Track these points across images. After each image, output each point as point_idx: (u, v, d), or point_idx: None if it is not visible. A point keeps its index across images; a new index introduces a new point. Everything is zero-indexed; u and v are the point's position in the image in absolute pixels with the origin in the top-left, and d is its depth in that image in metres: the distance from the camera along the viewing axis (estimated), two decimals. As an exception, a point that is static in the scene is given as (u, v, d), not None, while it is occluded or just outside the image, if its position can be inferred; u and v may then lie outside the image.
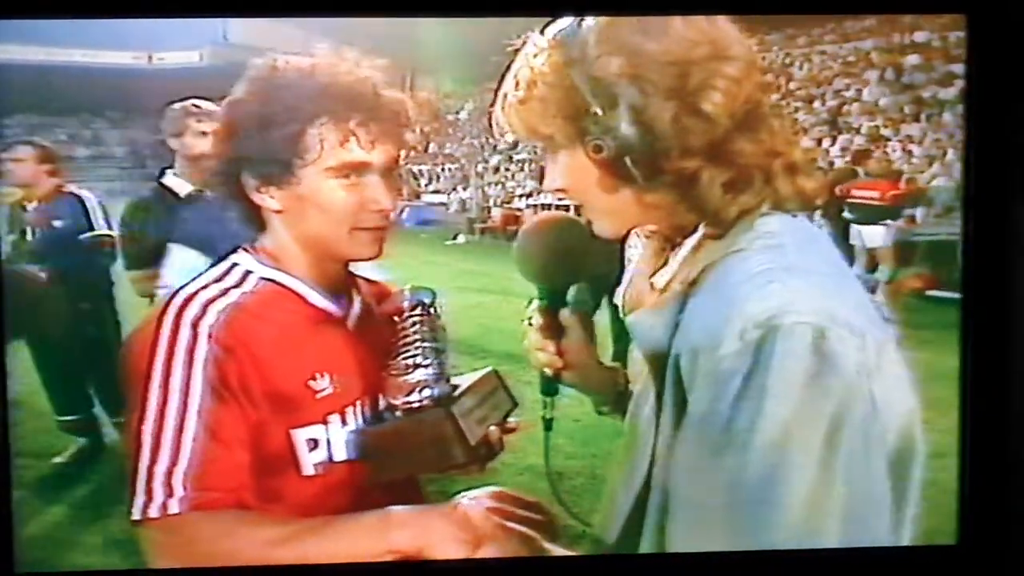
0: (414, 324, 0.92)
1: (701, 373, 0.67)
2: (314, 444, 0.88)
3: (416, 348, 0.91)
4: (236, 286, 0.90)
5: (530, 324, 0.94)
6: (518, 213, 11.33)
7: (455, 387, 0.93)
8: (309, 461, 0.88)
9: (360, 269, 1.02)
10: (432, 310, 0.93)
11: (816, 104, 11.14)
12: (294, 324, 0.90)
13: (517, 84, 0.75)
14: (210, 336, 0.83)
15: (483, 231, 11.74)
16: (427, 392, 0.89)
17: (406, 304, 0.93)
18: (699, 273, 0.73)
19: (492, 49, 0.83)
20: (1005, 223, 1.03)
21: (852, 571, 0.78)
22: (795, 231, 0.73)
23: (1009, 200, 1.03)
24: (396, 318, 0.93)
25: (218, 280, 0.90)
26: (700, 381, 0.67)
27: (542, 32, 0.76)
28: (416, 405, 0.89)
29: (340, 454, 0.90)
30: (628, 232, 0.86)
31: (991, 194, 1.03)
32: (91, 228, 2.90)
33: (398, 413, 0.90)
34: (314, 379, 0.89)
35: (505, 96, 0.77)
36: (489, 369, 1.01)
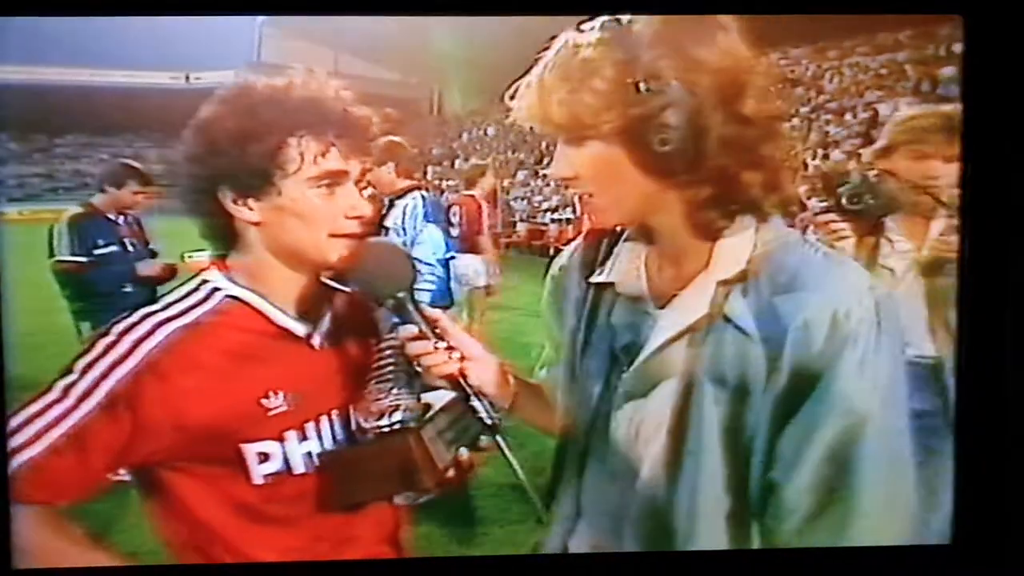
0: (391, 347, 0.93)
1: (826, 339, 0.76)
2: (264, 457, 0.92)
3: (390, 371, 0.92)
4: (200, 304, 0.93)
5: (406, 339, 0.92)
6: (544, 228, 11.34)
7: (428, 407, 0.92)
8: (259, 472, 0.91)
9: (335, 281, 1.03)
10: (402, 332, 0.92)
11: (848, 116, 11.00)
12: (251, 343, 0.93)
13: (567, 76, 0.78)
14: (144, 357, 0.87)
15: (507, 246, 11.78)
16: (398, 416, 0.89)
17: (383, 324, 0.93)
18: (751, 262, 0.81)
19: (519, 66, 0.86)
20: (1004, 224, 1.03)
21: (851, 570, 0.80)
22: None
23: (1009, 202, 1.04)
24: (372, 339, 0.94)
25: (185, 297, 0.94)
26: (827, 345, 0.76)
27: (579, 29, 0.80)
28: (386, 430, 0.89)
29: (298, 467, 0.93)
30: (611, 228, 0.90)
31: (990, 196, 1.04)
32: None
33: (369, 436, 0.91)
34: (267, 397, 0.92)
35: (541, 85, 0.79)
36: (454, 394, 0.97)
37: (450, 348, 0.91)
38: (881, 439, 0.76)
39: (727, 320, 0.80)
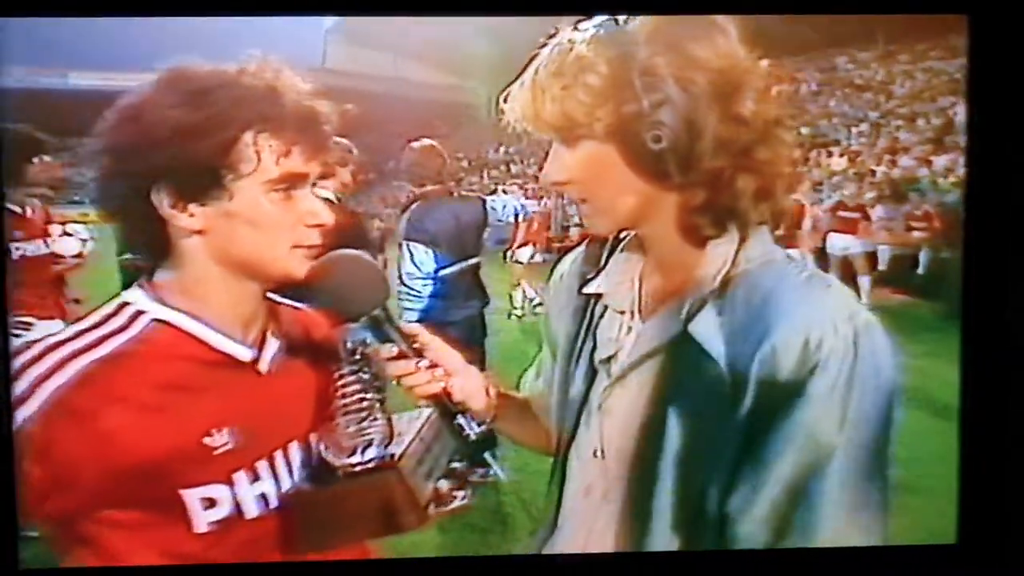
0: (355, 372, 0.82)
1: (794, 367, 0.72)
2: (210, 503, 0.80)
3: (358, 401, 0.81)
4: (120, 331, 0.79)
5: (386, 359, 0.86)
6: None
7: (400, 437, 0.84)
8: (203, 519, 0.79)
9: (284, 296, 0.92)
10: (375, 352, 0.84)
11: (920, 122, 10.57)
12: (185, 373, 0.80)
13: (560, 73, 0.75)
14: (50, 397, 0.73)
15: (560, 250, 11.75)
16: (372, 452, 0.80)
17: (345, 346, 0.83)
18: (730, 279, 0.77)
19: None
20: (1007, 225, 1.01)
21: (854, 569, 0.78)
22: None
23: (1013, 201, 1.01)
24: (330, 362, 0.84)
25: (100, 324, 0.80)
26: (794, 374, 0.72)
27: (575, 27, 0.78)
28: (359, 468, 0.79)
29: (251, 511, 0.82)
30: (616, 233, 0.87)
31: (994, 196, 1.02)
32: None
33: (338, 474, 0.80)
34: (209, 435, 0.79)
35: (535, 83, 0.77)
36: (431, 411, 0.90)
37: (432, 365, 0.86)
38: (844, 477, 0.72)
39: (693, 341, 0.76)
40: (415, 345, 0.86)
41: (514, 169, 15.31)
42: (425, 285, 2.85)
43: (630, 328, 0.84)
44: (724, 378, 0.74)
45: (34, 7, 0.98)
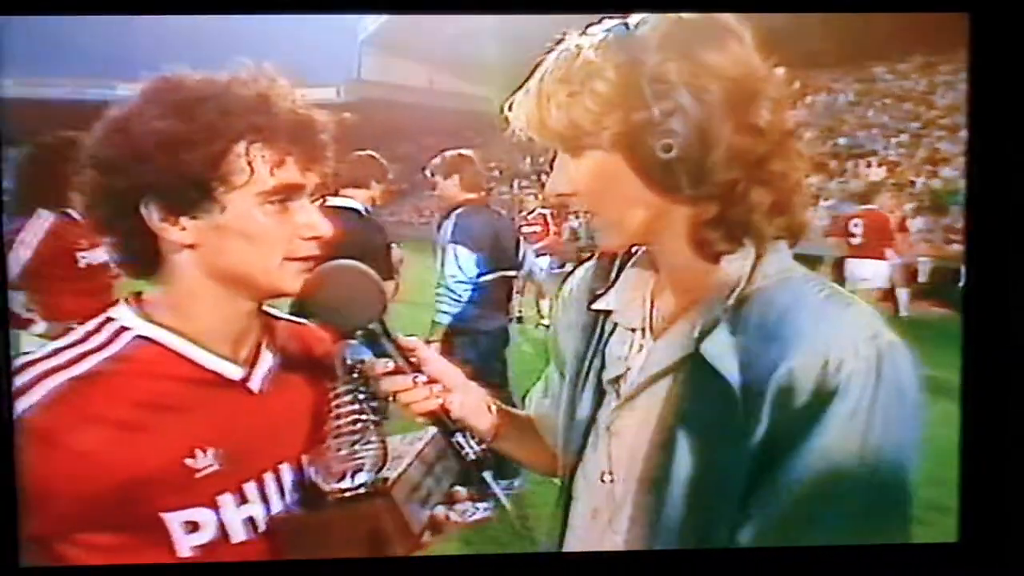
0: (351, 391, 0.79)
1: (812, 391, 0.68)
2: (193, 527, 0.77)
3: (351, 422, 0.78)
4: (100, 348, 0.77)
5: (381, 375, 0.83)
6: None
7: (397, 460, 0.80)
8: (186, 544, 0.76)
9: (282, 311, 0.91)
10: (374, 370, 0.81)
11: (963, 133, 10.32)
12: (169, 392, 0.78)
13: (567, 79, 0.73)
14: (19, 417, 0.72)
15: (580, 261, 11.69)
16: (362, 478, 0.76)
17: (343, 364, 0.80)
18: (746, 297, 0.73)
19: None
20: (1008, 226, 0.98)
21: (854, 568, 0.77)
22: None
23: (1014, 202, 0.99)
24: (326, 380, 0.81)
25: (80, 341, 0.78)
26: (812, 398, 0.68)
27: (583, 32, 0.75)
28: (349, 494, 0.76)
29: (237, 535, 0.79)
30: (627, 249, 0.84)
31: (994, 195, 0.99)
32: None
33: (328, 499, 0.77)
34: (192, 456, 0.77)
35: (540, 90, 0.74)
36: (433, 431, 0.86)
37: (430, 381, 0.83)
38: (865, 508, 0.68)
39: (705, 361, 0.73)
40: (412, 360, 0.83)
41: (545, 180, 15.33)
42: (465, 290, 2.86)
43: (641, 347, 0.80)
44: (737, 401, 0.71)
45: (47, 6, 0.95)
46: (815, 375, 0.68)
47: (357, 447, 0.77)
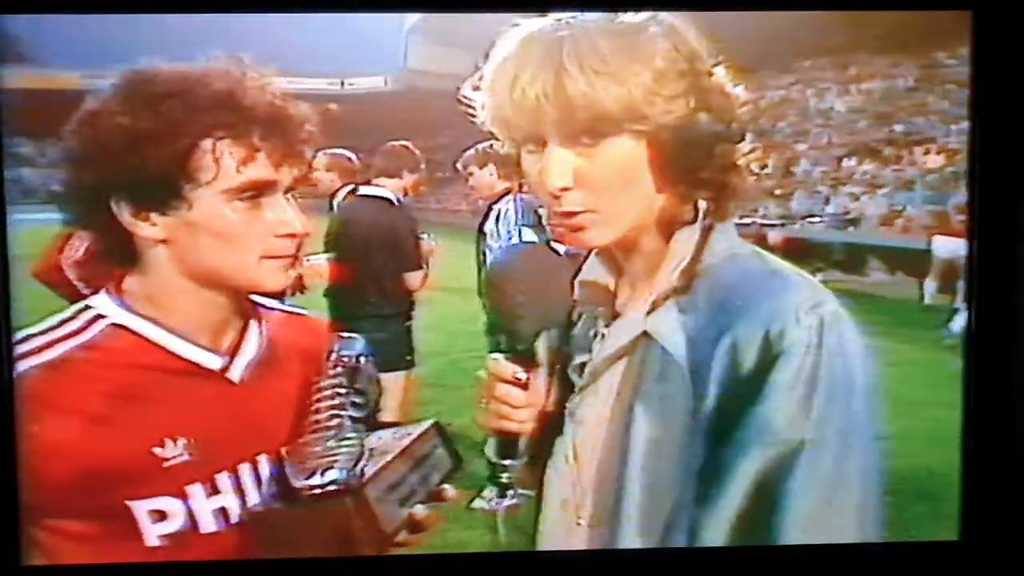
0: (334, 386, 0.79)
1: (755, 361, 0.70)
2: (160, 516, 0.77)
3: (329, 418, 0.78)
4: (73, 335, 0.78)
5: (495, 376, 0.82)
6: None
7: (380, 456, 0.80)
8: (153, 532, 0.77)
9: (276, 299, 0.90)
10: (360, 364, 0.80)
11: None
12: (139, 381, 0.77)
13: (601, 61, 0.70)
14: None
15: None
16: (333, 475, 0.75)
17: (329, 357, 0.80)
18: (694, 274, 0.75)
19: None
20: (1012, 222, 1.01)
21: (856, 567, 0.78)
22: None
23: (1016, 197, 1.02)
24: (313, 372, 0.80)
25: (53, 328, 0.78)
26: (755, 368, 0.70)
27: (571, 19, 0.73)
28: (319, 492, 0.75)
29: (207, 525, 0.79)
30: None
31: (998, 192, 1.02)
32: None
33: (299, 495, 0.77)
34: (161, 446, 0.77)
35: (561, 67, 0.71)
36: (430, 423, 0.88)
37: (533, 404, 0.82)
38: (814, 475, 0.68)
39: (654, 340, 0.73)
40: (529, 377, 0.81)
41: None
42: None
43: (603, 334, 0.81)
44: (686, 378, 0.72)
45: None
46: (758, 345, 0.69)
47: (332, 443, 0.77)
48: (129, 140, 0.73)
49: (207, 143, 0.74)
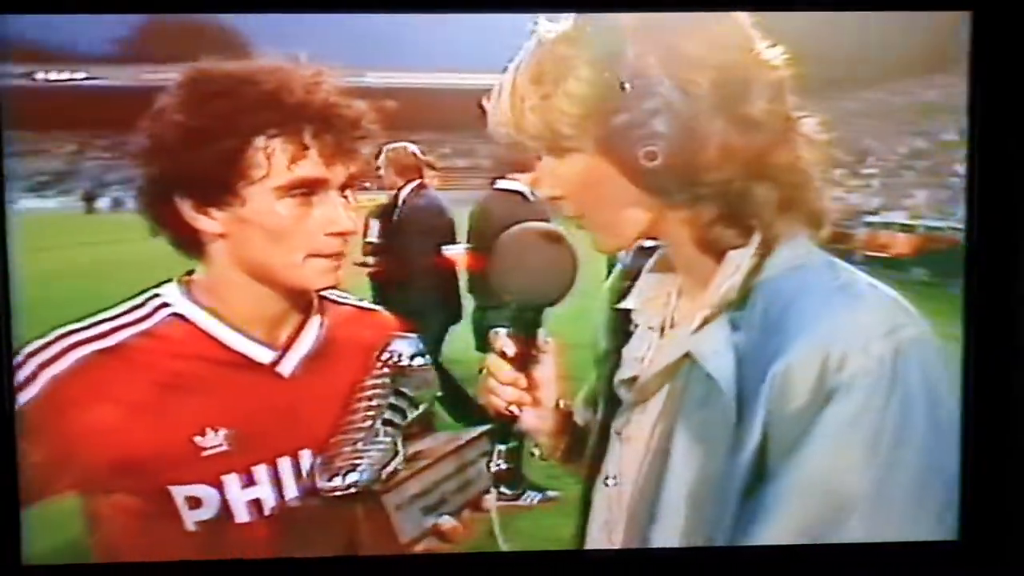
0: (376, 387, 0.77)
1: (809, 393, 0.60)
2: (196, 503, 0.78)
3: (362, 419, 0.76)
4: (134, 323, 0.80)
5: (500, 353, 0.77)
6: (850, 232, 10.67)
7: (420, 459, 0.77)
8: (190, 519, 0.78)
9: (348, 295, 0.89)
10: (410, 366, 0.79)
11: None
12: (188, 371, 0.79)
13: (539, 78, 0.67)
14: (48, 383, 0.76)
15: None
16: (353, 477, 0.73)
17: (379, 357, 0.78)
18: (751, 289, 0.66)
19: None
20: (1011, 221, 0.98)
21: (856, 567, 0.76)
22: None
23: (1016, 197, 0.98)
24: (363, 371, 0.79)
25: (121, 315, 0.81)
26: (807, 401, 0.60)
27: (550, 19, 0.69)
28: (339, 494, 0.73)
29: (240, 515, 0.79)
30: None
31: (996, 191, 0.98)
32: None
33: (320, 496, 0.75)
34: (202, 435, 0.78)
35: (515, 91, 0.68)
36: (483, 429, 0.82)
37: (529, 386, 0.78)
38: (871, 534, 0.59)
39: (696, 362, 0.66)
40: (533, 354, 0.77)
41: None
42: None
43: (656, 347, 0.75)
44: (729, 406, 0.63)
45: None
46: (813, 374, 0.59)
47: (360, 445, 0.75)
48: (186, 137, 0.75)
49: (259, 140, 0.75)
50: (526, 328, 0.77)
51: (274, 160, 0.75)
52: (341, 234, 0.79)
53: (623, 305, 0.79)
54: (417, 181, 2.84)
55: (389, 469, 0.75)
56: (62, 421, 0.76)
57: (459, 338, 2.56)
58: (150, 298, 0.83)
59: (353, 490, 0.73)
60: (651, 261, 0.79)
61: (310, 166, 0.76)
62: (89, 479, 0.78)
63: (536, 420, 0.80)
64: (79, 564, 0.80)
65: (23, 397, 0.76)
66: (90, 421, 0.76)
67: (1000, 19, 0.96)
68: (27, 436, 0.76)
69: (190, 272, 0.85)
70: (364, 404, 0.77)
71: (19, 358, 0.78)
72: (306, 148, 0.76)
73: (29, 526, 0.87)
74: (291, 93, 0.76)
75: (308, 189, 0.77)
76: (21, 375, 0.77)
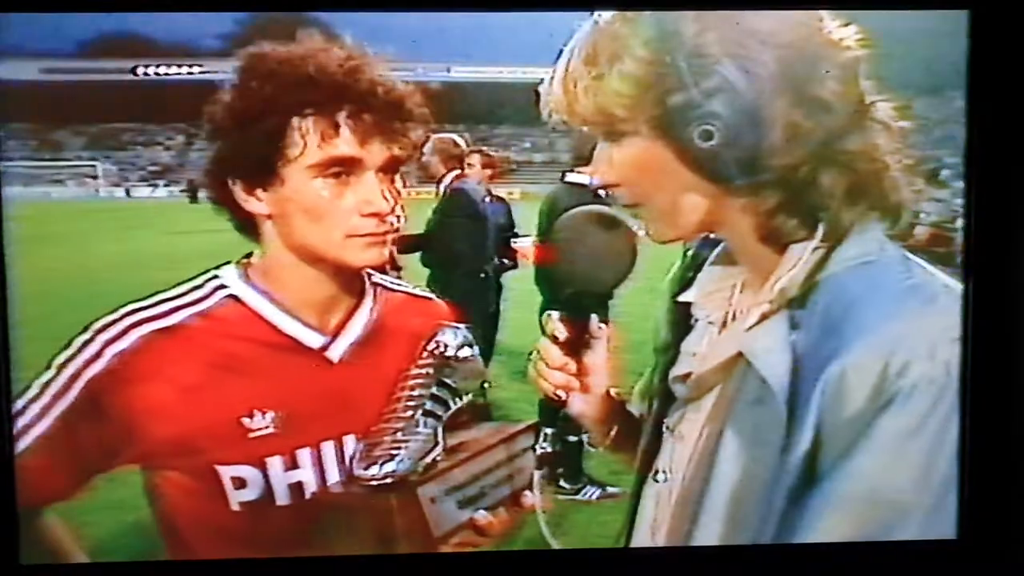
0: (420, 376, 0.77)
1: (869, 396, 0.58)
2: (241, 483, 0.80)
3: (404, 409, 0.76)
4: (193, 304, 0.82)
5: (551, 337, 0.77)
6: (951, 234, 10.42)
7: (462, 451, 0.76)
8: (235, 498, 0.80)
9: (403, 282, 0.90)
10: (456, 356, 0.78)
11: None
12: (240, 353, 0.80)
13: (593, 59, 0.65)
14: (113, 360, 0.78)
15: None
16: (390, 467, 0.73)
17: (426, 346, 0.77)
18: (814, 284, 0.63)
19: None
20: (1010, 222, 0.98)
21: (855, 566, 0.75)
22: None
23: (1016, 197, 0.98)
24: (410, 359, 0.78)
25: (181, 295, 0.83)
26: (867, 405, 0.58)
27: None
28: (375, 483, 0.73)
29: (281, 498, 0.80)
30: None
31: (995, 191, 0.97)
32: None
33: (356, 484, 0.75)
34: (250, 416, 0.79)
35: (568, 73, 0.67)
36: (531, 422, 0.80)
37: (580, 371, 0.76)
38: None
39: (748, 361, 0.62)
40: (586, 337, 0.76)
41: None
42: None
43: (713, 342, 0.73)
44: (780, 407, 0.60)
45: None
46: (873, 379, 0.57)
47: (400, 435, 0.74)
48: (233, 119, 0.78)
49: (295, 121, 0.76)
50: (579, 312, 0.76)
51: (308, 139, 0.77)
52: (377, 215, 0.79)
53: (683, 298, 0.77)
54: (457, 171, 2.85)
55: (427, 460, 0.74)
56: (124, 396, 0.78)
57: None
58: (209, 279, 0.84)
59: (389, 480, 0.73)
60: (714, 253, 0.76)
61: (344, 145, 0.77)
62: (148, 454, 0.80)
63: (583, 405, 0.79)
64: (79, 564, 0.81)
65: (89, 372, 0.78)
66: (149, 397, 0.78)
67: (998, 18, 0.93)
68: (93, 411, 0.79)
69: (248, 255, 0.86)
70: (406, 394, 0.77)
71: (87, 335, 0.80)
72: (337, 127, 0.77)
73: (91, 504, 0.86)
74: (329, 74, 0.77)
75: (343, 168, 0.78)
76: (89, 351, 0.79)
